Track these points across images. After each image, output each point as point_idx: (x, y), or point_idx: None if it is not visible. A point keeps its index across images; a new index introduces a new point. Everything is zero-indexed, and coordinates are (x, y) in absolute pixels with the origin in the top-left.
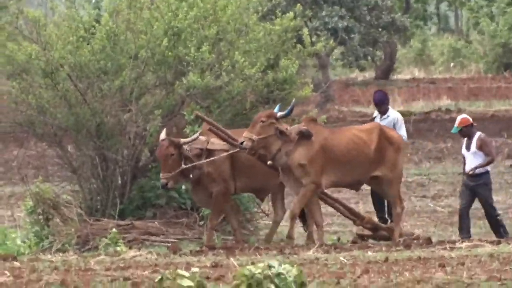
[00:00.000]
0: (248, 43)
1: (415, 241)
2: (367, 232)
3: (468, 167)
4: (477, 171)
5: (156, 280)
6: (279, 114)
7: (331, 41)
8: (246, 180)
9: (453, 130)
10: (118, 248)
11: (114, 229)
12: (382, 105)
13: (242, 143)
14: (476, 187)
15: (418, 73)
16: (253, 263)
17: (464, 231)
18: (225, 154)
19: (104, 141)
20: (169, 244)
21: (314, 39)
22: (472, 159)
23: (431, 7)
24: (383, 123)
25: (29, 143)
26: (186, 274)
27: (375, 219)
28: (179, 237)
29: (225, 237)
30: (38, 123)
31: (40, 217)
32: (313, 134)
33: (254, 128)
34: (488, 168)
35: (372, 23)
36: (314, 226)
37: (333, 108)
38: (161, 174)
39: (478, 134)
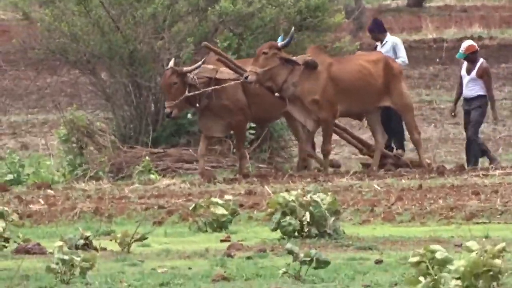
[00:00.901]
0: None
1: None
2: (370, 160)
3: (465, 90)
4: (474, 93)
5: (190, 208)
6: (280, 43)
7: None
8: (256, 109)
9: (458, 55)
10: (152, 176)
11: (147, 157)
12: (374, 33)
13: (246, 77)
14: (470, 110)
15: (450, 1)
16: (287, 191)
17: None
18: (232, 83)
19: (137, 68)
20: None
21: None
22: (470, 83)
23: None
24: (382, 49)
25: (62, 71)
26: (220, 201)
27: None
28: (213, 165)
29: (259, 164)
30: (71, 51)
31: (74, 145)
32: (318, 64)
33: (257, 61)
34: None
35: None
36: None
37: (366, 35)
38: (165, 103)
39: (481, 61)
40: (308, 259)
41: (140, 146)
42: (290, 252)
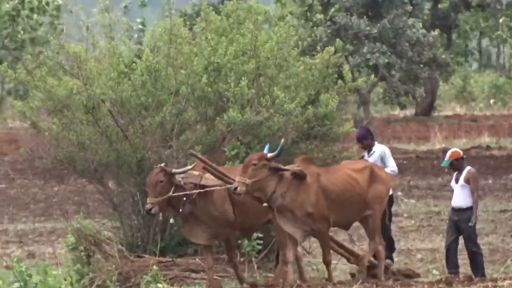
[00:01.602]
0: (288, 78)
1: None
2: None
3: (454, 200)
4: (464, 205)
5: None
6: (270, 155)
7: (372, 77)
8: (243, 218)
9: (444, 163)
10: (160, 286)
11: (155, 266)
12: (363, 141)
13: (235, 188)
14: (460, 222)
15: (460, 110)
16: None
17: (451, 266)
18: (217, 188)
19: (145, 177)
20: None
21: (355, 75)
22: (459, 192)
23: (473, 43)
24: (370, 159)
25: (70, 179)
26: None
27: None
28: (220, 275)
29: (267, 274)
30: (79, 159)
31: (82, 253)
32: (306, 175)
33: (246, 171)
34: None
35: (413, 59)
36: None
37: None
38: (148, 199)
39: (468, 168)
40: None
41: (148, 255)
42: None
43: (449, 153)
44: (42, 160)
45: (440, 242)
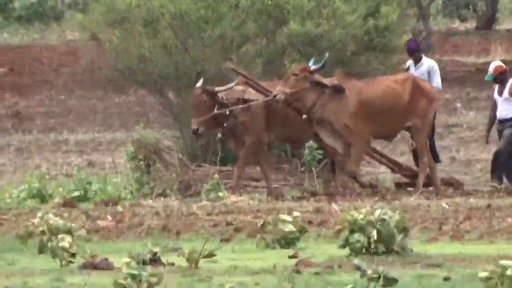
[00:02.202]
0: None
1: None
2: (405, 179)
3: (499, 112)
4: (508, 115)
5: (259, 225)
6: (313, 67)
7: None
8: (281, 131)
9: (487, 77)
10: (220, 194)
11: (215, 175)
12: (414, 53)
13: (275, 96)
14: (503, 130)
15: None
16: (355, 209)
17: (497, 177)
18: (260, 101)
19: None
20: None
21: None
22: (503, 105)
23: None
24: (417, 72)
25: (130, 90)
26: (289, 219)
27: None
28: (281, 183)
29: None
30: (139, 71)
31: (141, 163)
32: (345, 88)
33: (287, 82)
34: None
35: None
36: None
37: (434, 57)
38: (192, 120)
39: (511, 80)
40: (376, 276)
41: (208, 164)
42: (358, 268)
43: (492, 66)
44: (102, 71)
45: None
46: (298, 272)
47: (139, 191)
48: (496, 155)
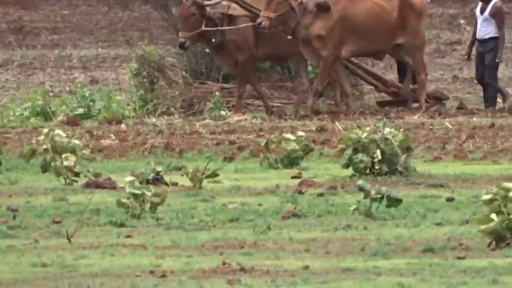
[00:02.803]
0: None
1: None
2: (387, 98)
3: (478, 31)
4: (486, 35)
5: (262, 144)
6: None
7: None
8: (269, 47)
9: None
10: (223, 113)
11: (217, 93)
12: None
13: (260, 23)
14: (484, 52)
15: None
16: (358, 127)
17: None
18: (244, 25)
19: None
20: (274, 109)
21: None
22: (483, 24)
23: None
24: None
25: (134, 5)
26: (292, 137)
27: None
28: (284, 101)
29: (330, 101)
30: None
31: (145, 80)
32: (331, 6)
33: (269, 5)
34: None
35: None
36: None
37: None
38: (180, 33)
39: (494, 1)
40: (379, 196)
41: (211, 82)
42: (361, 189)
43: None
44: None
45: (503, 71)
46: (300, 193)
47: (143, 108)
48: (486, 87)
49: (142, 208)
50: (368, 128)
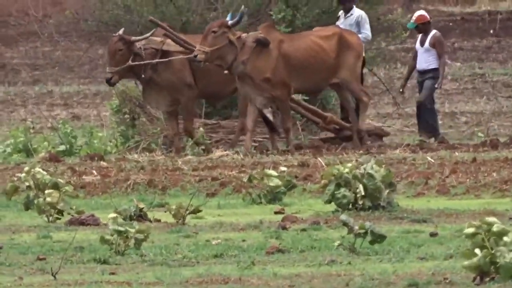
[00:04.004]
0: None
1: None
2: (329, 134)
3: (419, 63)
4: (427, 67)
5: (245, 180)
6: (230, 22)
7: None
8: (203, 86)
9: (409, 25)
10: (207, 143)
11: (201, 128)
12: (346, 3)
13: (196, 56)
14: (423, 80)
15: None
16: (340, 163)
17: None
18: (179, 57)
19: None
20: (256, 144)
21: None
22: (423, 55)
23: None
24: (346, 22)
25: None
26: (274, 173)
27: None
28: (265, 136)
29: (312, 136)
30: (124, 22)
31: (126, 116)
32: (270, 42)
33: (206, 39)
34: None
35: None
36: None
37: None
38: (107, 68)
39: (433, 31)
40: (363, 231)
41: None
42: (345, 224)
43: (415, 15)
44: (87, 22)
45: (484, 105)
46: (284, 228)
47: (124, 145)
48: (418, 108)
49: (126, 245)
50: (350, 164)
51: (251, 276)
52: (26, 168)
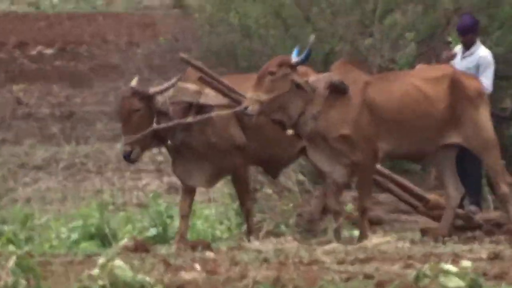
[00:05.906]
0: None
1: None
2: (433, 224)
3: None
4: None
5: (411, 278)
6: (295, 60)
7: None
8: (255, 151)
9: None
10: (356, 232)
11: (350, 204)
12: (466, 34)
13: (246, 108)
14: None
15: None
16: None
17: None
18: (222, 113)
19: None
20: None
21: None
22: None
23: None
24: (463, 62)
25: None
26: (454, 269)
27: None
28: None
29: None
30: (243, 50)
31: None
32: (348, 86)
33: (260, 84)
34: None
35: None
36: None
37: None
38: (122, 138)
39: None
40: None
41: None
42: None
43: None
44: (189, 51)
45: None
46: None
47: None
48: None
49: None
50: None
51: None
52: (101, 261)
